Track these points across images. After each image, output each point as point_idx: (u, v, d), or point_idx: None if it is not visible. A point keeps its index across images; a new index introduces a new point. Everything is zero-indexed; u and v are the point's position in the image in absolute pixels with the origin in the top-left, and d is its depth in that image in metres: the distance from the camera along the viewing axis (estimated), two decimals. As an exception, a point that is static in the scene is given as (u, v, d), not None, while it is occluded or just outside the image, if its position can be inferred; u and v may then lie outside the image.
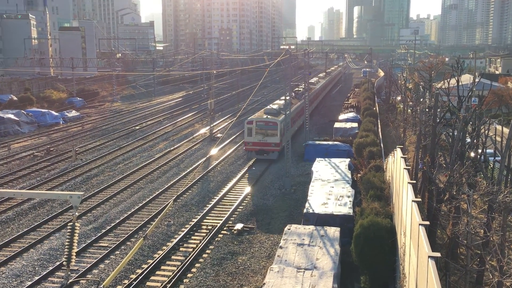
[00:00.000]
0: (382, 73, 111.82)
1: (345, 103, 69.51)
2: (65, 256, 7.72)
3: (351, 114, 53.77)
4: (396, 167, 18.44)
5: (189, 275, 19.33)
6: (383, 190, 21.80)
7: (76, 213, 7.70)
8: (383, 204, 19.65)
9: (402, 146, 22.64)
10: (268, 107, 41.77)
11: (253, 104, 65.57)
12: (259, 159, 37.05)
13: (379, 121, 47.32)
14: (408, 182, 13.56)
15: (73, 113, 59.91)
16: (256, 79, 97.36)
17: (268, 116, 37.90)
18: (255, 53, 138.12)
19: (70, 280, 10.66)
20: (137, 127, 52.95)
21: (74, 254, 7.75)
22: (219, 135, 46.55)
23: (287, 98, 33.14)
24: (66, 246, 7.71)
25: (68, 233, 7.70)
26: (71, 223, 7.74)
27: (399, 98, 60.62)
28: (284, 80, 36.20)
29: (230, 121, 54.77)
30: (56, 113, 56.37)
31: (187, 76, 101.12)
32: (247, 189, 30.52)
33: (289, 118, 36.62)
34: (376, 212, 18.48)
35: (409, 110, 42.90)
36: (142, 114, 63.35)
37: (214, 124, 50.48)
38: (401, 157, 17.11)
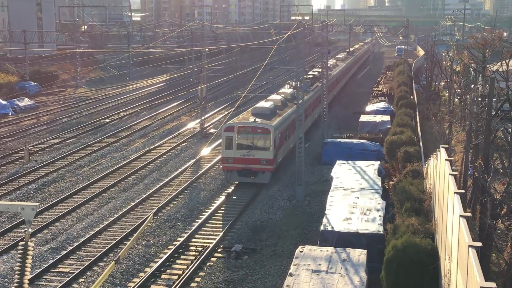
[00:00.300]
0: (421, 52, 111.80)
1: (374, 90, 69.57)
2: (15, 284, 7.75)
3: (381, 105, 53.78)
4: (440, 173, 18.43)
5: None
6: (422, 202, 21.79)
7: (30, 230, 7.73)
8: (422, 220, 19.64)
9: (447, 146, 22.65)
10: (258, 105, 37.42)
11: (256, 90, 65.68)
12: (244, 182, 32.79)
13: (417, 113, 47.32)
14: (455, 192, 13.55)
15: (26, 101, 60.07)
16: (260, 58, 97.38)
17: (257, 120, 33.56)
18: (258, 26, 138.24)
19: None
20: (108, 120, 53.11)
21: (27, 282, 7.78)
22: (212, 130, 46.64)
23: (298, 84, 33.12)
24: (17, 272, 7.74)
25: (20, 255, 7.73)
26: (23, 243, 7.77)
27: (443, 83, 60.59)
28: (295, 60, 36.14)
29: (226, 112, 54.86)
30: (3, 102, 56.53)
31: (172, 55, 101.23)
32: (248, 199, 30.55)
33: (288, 121, 36.22)
34: (413, 230, 18.48)
35: (456, 100, 42.81)
36: (113, 103, 63.53)
37: (206, 116, 50.56)
38: (446, 159, 17.10)
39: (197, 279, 21.66)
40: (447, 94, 49.89)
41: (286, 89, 44.89)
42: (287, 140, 36.97)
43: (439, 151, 19.77)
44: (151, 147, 42.12)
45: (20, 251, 7.67)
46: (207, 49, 66.36)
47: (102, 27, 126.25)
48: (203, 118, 46.93)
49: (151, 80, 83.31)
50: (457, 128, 36.60)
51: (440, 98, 56.40)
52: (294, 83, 35.46)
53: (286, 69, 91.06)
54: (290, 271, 17.58)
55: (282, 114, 36.78)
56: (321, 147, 40.63)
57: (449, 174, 15.50)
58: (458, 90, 43.62)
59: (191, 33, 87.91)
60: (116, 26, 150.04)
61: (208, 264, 22.94)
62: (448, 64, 50.42)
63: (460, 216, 11.94)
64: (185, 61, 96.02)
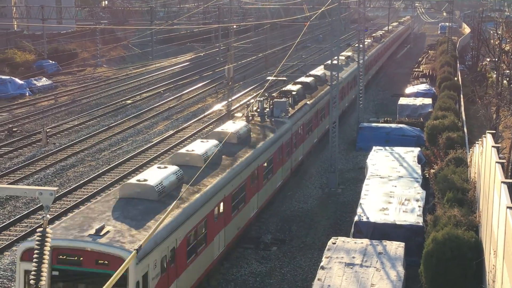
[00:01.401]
0: (467, 29, 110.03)
1: (415, 71, 68.83)
2: (33, 274, 7.87)
3: (422, 86, 53.28)
4: (485, 161, 18.21)
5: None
6: (465, 192, 21.59)
7: (48, 216, 7.83)
8: (465, 211, 19.48)
9: (494, 132, 22.34)
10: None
11: (287, 70, 65.42)
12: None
13: (461, 96, 46.73)
14: (502, 182, 13.40)
15: (43, 81, 60.82)
16: (292, 36, 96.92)
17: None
18: (290, 1, 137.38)
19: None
20: (129, 102, 53.52)
21: (45, 269, 7.89)
22: (239, 113, 46.66)
23: (334, 61, 32.90)
24: (35, 260, 7.86)
25: (38, 243, 7.84)
26: (41, 229, 7.87)
27: (488, 60, 59.60)
28: (330, 38, 35.87)
29: (254, 94, 54.86)
30: (20, 81, 57.32)
31: (197, 32, 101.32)
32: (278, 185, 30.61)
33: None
34: (455, 222, 18.34)
35: (505, 81, 42.18)
36: (135, 83, 63.97)
37: (233, 98, 50.62)
38: (493, 146, 16.88)
39: (222, 270, 21.82)
40: (494, 76, 49.10)
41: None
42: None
43: (485, 137, 19.52)
44: (175, 130, 42.38)
45: (38, 239, 7.78)
46: (234, 26, 66.27)
47: (124, 3, 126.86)
48: (230, 100, 46.99)
49: (175, 59, 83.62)
50: (505, 113, 36.05)
51: (487, 80, 55.56)
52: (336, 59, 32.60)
53: (319, 48, 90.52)
54: (321, 264, 17.60)
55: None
56: (356, 132, 40.44)
57: (496, 162, 15.31)
58: (507, 71, 42.90)
59: (218, 8, 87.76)
60: (138, 2, 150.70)
61: (234, 254, 23.07)
62: (497, 42, 49.57)
63: (507, 207, 11.81)
64: (212, 38, 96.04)
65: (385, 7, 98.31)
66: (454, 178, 22.67)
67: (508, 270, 11.11)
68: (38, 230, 7.87)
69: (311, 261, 22.69)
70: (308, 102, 35.13)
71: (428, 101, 44.99)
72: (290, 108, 31.85)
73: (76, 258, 14.65)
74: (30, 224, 25.92)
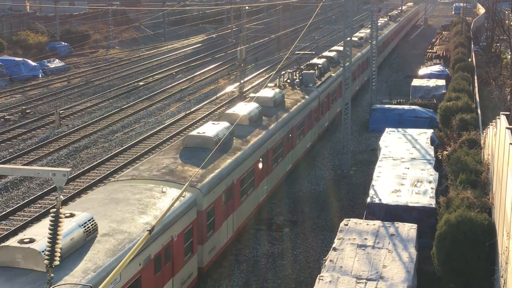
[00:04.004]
0: (482, 10, 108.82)
1: (428, 52, 68.31)
2: (47, 253, 7.93)
3: (436, 68, 52.92)
4: (499, 142, 18.09)
5: (209, 283, 19.69)
6: (479, 173, 21.49)
7: (61, 197, 7.87)
8: (478, 193, 19.40)
9: (508, 113, 22.15)
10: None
11: (299, 52, 65.15)
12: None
13: (475, 77, 46.36)
14: (516, 163, 13.30)
15: (56, 63, 60.99)
16: (304, 18, 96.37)
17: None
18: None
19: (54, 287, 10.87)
20: (141, 83, 53.57)
21: (59, 251, 7.96)
22: (252, 95, 46.58)
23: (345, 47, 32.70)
24: (48, 241, 7.92)
25: (51, 224, 7.89)
26: (55, 210, 7.92)
27: (501, 37, 59.00)
28: (342, 19, 35.60)
29: (266, 75, 54.69)
30: (33, 63, 57.52)
31: (209, 14, 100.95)
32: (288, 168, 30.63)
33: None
34: (468, 204, 18.28)
35: (519, 63, 41.76)
36: (148, 65, 63.98)
37: (246, 80, 50.50)
38: (507, 128, 16.74)
39: (234, 251, 21.91)
40: (509, 57, 48.63)
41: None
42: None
43: (499, 118, 19.37)
44: (187, 112, 42.39)
45: (52, 219, 7.83)
46: (247, 7, 65.95)
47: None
48: (242, 81, 46.88)
49: (187, 41, 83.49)
50: (519, 94, 35.74)
51: (501, 61, 55.04)
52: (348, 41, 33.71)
53: (332, 29, 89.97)
54: (334, 246, 17.63)
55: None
56: (368, 113, 40.29)
57: (510, 143, 15.19)
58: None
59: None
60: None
61: (245, 236, 23.15)
62: None
63: (521, 189, 11.73)
64: (224, 20, 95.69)
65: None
66: (467, 160, 22.57)
67: (521, 252, 11.06)
68: (51, 211, 7.92)
69: (323, 242, 22.74)
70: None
71: (442, 82, 44.70)
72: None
73: None
74: (44, 205, 26.12)
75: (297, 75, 34.27)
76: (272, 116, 26.94)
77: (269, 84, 32.91)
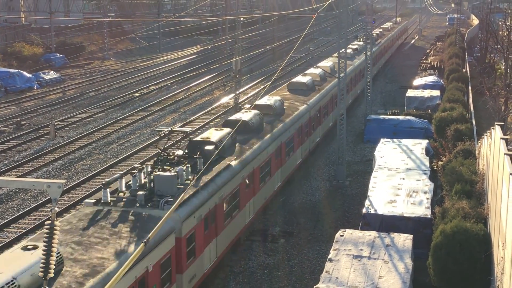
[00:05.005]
0: (476, 21, 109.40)
1: (423, 63, 68.58)
2: (41, 266, 7.89)
3: (430, 78, 53.07)
4: (494, 153, 18.12)
5: (205, 294, 19.62)
6: (474, 184, 21.51)
7: (56, 208, 7.84)
8: (474, 204, 19.40)
9: (502, 123, 22.24)
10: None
11: (294, 63, 65.28)
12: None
13: (470, 88, 46.51)
14: (511, 174, 13.33)
15: (51, 74, 60.93)
16: (299, 28, 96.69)
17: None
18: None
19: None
20: (137, 95, 53.56)
21: (53, 264, 7.91)
22: (247, 106, 46.63)
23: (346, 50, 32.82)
24: (43, 253, 7.88)
25: (46, 236, 7.86)
26: (50, 222, 7.89)
27: (494, 46, 59.26)
28: (337, 30, 35.74)
29: (262, 86, 54.77)
30: (28, 75, 57.45)
31: (204, 25, 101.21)
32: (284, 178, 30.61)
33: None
34: (464, 215, 18.29)
35: (513, 73, 41.89)
36: (143, 76, 64.00)
37: (241, 91, 50.54)
38: (501, 138, 16.79)
39: (229, 263, 21.85)
40: (503, 67, 48.84)
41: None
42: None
43: (493, 128, 19.43)
44: (182, 123, 42.38)
45: (46, 232, 7.79)
46: (242, 18, 66.12)
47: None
48: (237, 92, 46.90)
49: (182, 52, 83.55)
50: (514, 104, 35.86)
51: (495, 72, 55.28)
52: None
53: (326, 40, 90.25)
54: (329, 256, 17.59)
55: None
56: (363, 124, 40.36)
57: (505, 154, 15.23)
58: (516, 63, 42.64)
59: (225, 1, 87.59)
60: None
61: (241, 247, 23.09)
62: (505, 34, 49.26)
63: (516, 199, 11.74)
64: (219, 31, 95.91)
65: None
66: (463, 170, 22.60)
67: (517, 263, 11.06)
68: (46, 223, 7.89)
69: (319, 253, 22.69)
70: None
71: (436, 93, 44.83)
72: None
73: None
74: (38, 217, 26.02)
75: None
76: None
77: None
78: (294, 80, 37.32)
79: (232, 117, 26.56)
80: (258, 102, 29.69)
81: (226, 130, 22.85)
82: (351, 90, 45.87)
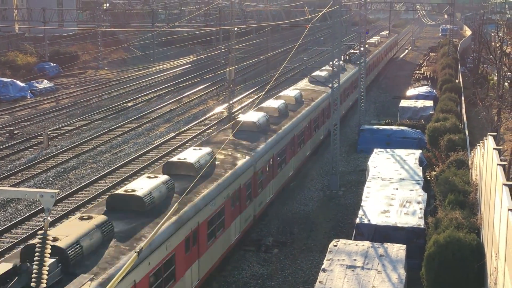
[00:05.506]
0: (468, 32, 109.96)
1: (416, 73, 68.82)
2: (34, 277, 7.85)
3: (423, 89, 53.27)
4: (487, 163, 18.18)
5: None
6: (467, 194, 21.55)
7: (49, 218, 7.82)
8: (467, 214, 19.44)
9: (495, 134, 22.32)
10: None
11: (288, 73, 65.46)
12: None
13: (463, 98, 46.68)
14: (504, 184, 13.37)
15: (45, 83, 60.85)
16: (293, 39, 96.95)
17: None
18: (291, 3, 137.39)
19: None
20: (130, 104, 53.52)
21: (46, 272, 7.88)
22: (241, 115, 46.65)
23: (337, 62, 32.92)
24: (36, 264, 7.84)
25: (39, 246, 7.83)
26: (42, 232, 7.86)
27: (487, 57, 59.55)
28: (331, 41, 35.87)
29: (256, 96, 54.82)
30: (22, 84, 57.36)
31: (198, 35, 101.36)
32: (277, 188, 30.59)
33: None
34: (457, 225, 18.31)
35: (506, 84, 42.16)
36: (137, 86, 63.97)
37: (235, 100, 50.61)
38: (494, 148, 16.86)
39: (223, 272, 21.79)
40: (496, 78, 49.09)
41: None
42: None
43: (486, 139, 19.49)
44: (176, 133, 42.37)
45: (39, 242, 7.76)
46: (236, 29, 66.31)
47: (125, 5, 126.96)
48: (231, 102, 46.98)
49: (176, 62, 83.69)
50: (506, 115, 36.02)
51: (488, 82, 55.55)
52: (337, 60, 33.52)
53: (320, 50, 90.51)
54: (323, 267, 17.58)
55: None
56: (357, 134, 40.43)
57: (497, 164, 15.28)
58: (509, 74, 42.90)
59: (219, 11, 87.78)
60: (139, 4, 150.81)
61: (235, 257, 23.04)
62: (498, 45, 49.54)
63: (509, 209, 11.78)
64: (213, 41, 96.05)
65: (386, 9, 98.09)
66: (456, 180, 22.65)
67: (509, 272, 11.08)
68: (39, 232, 7.86)
69: (312, 263, 22.65)
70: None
71: (429, 103, 44.97)
72: None
73: None
74: (31, 227, 25.91)
75: None
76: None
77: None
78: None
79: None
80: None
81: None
82: (343, 101, 45.89)
